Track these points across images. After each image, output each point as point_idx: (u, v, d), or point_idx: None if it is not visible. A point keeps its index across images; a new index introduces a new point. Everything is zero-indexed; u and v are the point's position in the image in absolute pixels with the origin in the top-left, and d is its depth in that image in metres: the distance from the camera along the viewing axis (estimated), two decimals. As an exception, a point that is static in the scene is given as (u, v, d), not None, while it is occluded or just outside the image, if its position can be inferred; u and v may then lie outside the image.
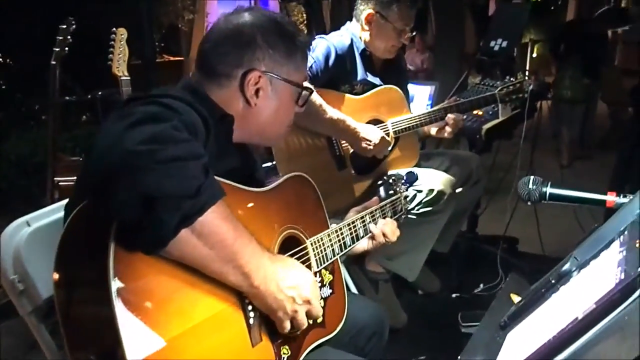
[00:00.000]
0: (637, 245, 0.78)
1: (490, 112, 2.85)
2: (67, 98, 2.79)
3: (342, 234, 1.42)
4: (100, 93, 2.82)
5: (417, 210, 2.31)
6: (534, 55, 10.39)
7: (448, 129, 2.43)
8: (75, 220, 0.94)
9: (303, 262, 1.27)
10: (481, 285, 2.88)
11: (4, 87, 5.57)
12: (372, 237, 1.58)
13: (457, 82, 3.37)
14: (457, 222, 2.78)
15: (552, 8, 13.16)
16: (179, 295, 0.95)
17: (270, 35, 1.23)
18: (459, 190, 2.52)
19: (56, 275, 0.92)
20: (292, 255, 1.24)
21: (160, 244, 0.89)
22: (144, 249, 0.89)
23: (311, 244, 1.32)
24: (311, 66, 2.22)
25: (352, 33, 2.42)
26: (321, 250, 1.34)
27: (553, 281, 1.00)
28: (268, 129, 1.32)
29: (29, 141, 4.78)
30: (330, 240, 1.37)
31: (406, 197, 1.77)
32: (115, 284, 0.84)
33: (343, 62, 2.35)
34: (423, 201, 2.29)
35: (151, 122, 0.90)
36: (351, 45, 2.40)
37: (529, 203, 1.32)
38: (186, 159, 0.89)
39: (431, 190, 2.29)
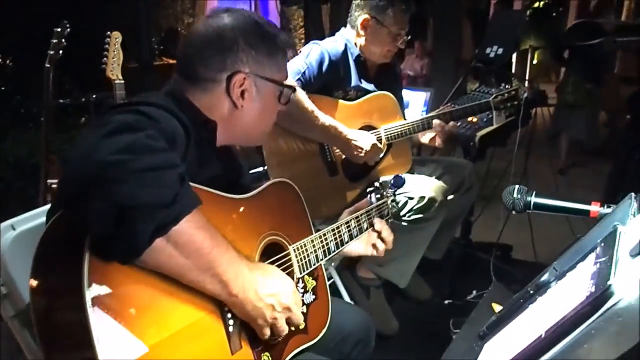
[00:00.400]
0: (608, 258, 0.77)
1: (485, 119, 2.85)
2: (61, 101, 2.80)
3: (326, 239, 1.42)
4: (94, 96, 2.83)
5: (408, 217, 2.31)
6: (534, 61, 10.40)
7: (438, 139, 2.44)
8: (51, 229, 0.94)
9: (286, 269, 1.27)
10: (474, 292, 2.87)
11: (2, 88, 5.58)
12: (373, 245, 1.59)
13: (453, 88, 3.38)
14: (450, 229, 2.78)
15: (554, 14, 13.18)
16: (156, 303, 0.95)
17: (251, 37, 1.24)
18: (450, 197, 2.52)
19: (32, 282, 0.92)
20: (274, 262, 1.24)
21: (135, 253, 0.89)
22: (119, 259, 0.89)
23: (294, 250, 1.31)
24: (304, 72, 2.22)
25: (347, 39, 2.43)
26: (304, 257, 1.33)
27: (531, 292, 1.00)
28: (253, 129, 1.33)
29: (26, 143, 4.77)
30: (314, 246, 1.37)
31: (394, 200, 1.76)
32: (90, 294, 0.84)
33: (337, 69, 2.36)
34: (414, 208, 2.29)
35: (126, 131, 0.90)
36: (345, 52, 2.40)
37: (513, 212, 1.32)
38: (161, 169, 0.89)
39: (422, 198, 2.28)
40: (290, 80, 2.14)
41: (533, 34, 10.24)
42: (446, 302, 2.86)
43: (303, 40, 6.39)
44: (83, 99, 2.86)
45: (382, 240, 1.60)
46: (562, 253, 1.10)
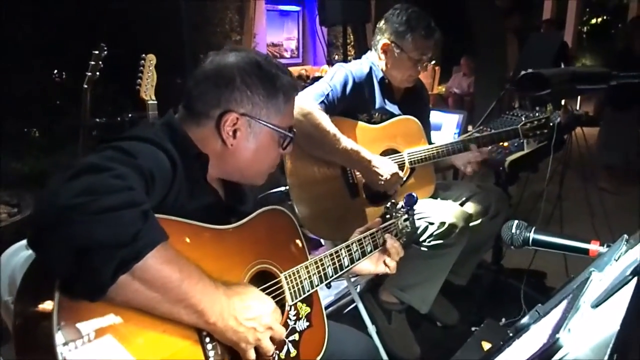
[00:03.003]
0: (570, 307, 0.75)
1: (516, 144, 2.79)
2: (98, 120, 2.93)
3: (322, 265, 1.41)
4: (130, 115, 2.95)
5: (428, 242, 2.28)
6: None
7: (469, 168, 2.40)
8: (36, 261, 0.98)
9: (276, 296, 1.28)
10: (503, 320, 2.80)
11: (58, 102, 5.87)
12: (384, 261, 1.59)
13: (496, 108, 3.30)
14: (476, 254, 2.72)
15: (612, 31, 12.72)
16: (130, 338, 0.96)
17: (249, 77, 1.25)
18: (475, 223, 2.47)
19: (16, 307, 0.96)
20: (263, 290, 1.25)
21: (98, 292, 0.91)
22: (85, 298, 0.92)
23: (285, 277, 1.32)
24: (328, 94, 2.24)
25: (372, 62, 2.44)
26: (297, 284, 1.34)
27: (510, 334, 0.98)
28: (247, 169, 1.34)
29: (76, 155, 5.00)
30: (308, 272, 1.37)
31: (408, 220, 1.75)
32: (60, 338, 0.87)
33: (361, 91, 2.37)
34: (434, 234, 2.26)
35: (90, 172, 0.93)
36: (370, 74, 2.41)
37: (512, 247, 1.30)
38: (120, 208, 0.90)
39: (442, 223, 2.25)
40: (313, 104, 2.18)
41: (589, 52, 9.94)
42: (473, 329, 2.79)
43: (350, 57, 6.42)
44: (118, 118, 2.99)
45: (386, 251, 1.60)
46: (554, 294, 1.07)
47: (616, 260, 0.91)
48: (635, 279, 0.68)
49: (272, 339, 1.16)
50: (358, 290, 2.64)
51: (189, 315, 1.02)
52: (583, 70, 1.32)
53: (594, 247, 1.19)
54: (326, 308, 2.75)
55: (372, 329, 2.49)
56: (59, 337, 0.88)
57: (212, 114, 1.26)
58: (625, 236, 1.03)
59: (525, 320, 0.98)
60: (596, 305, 0.73)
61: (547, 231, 1.26)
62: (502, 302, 2.91)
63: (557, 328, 0.71)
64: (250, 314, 1.10)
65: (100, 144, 1.08)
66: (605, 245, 1.18)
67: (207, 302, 1.03)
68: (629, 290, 0.70)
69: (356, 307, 2.57)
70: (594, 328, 0.69)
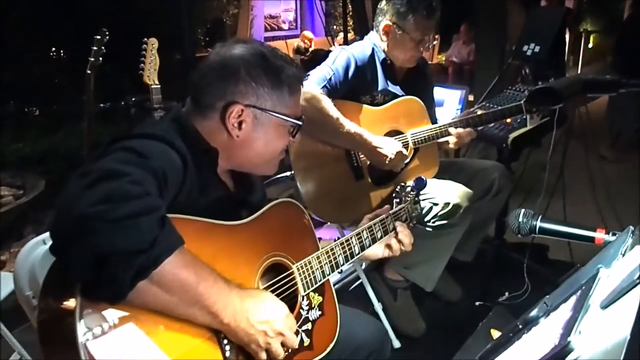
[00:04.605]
0: (580, 307, 0.78)
1: (519, 120, 2.78)
2: (102, 105, 2.93)
3: (333, 254, 1.44)
4: (133, 99, 2.94)
5: (433, 222, 2.31)
6: (590, 45, 9.95)
7: (452, 139, 2.41)
8: (56, 263, 1.01)
9: (289, 287, 1.31)
10: (506, 294, 2.84)
11: (55, 81, 5.84)
12: (388, 246, 1.61)
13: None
14: (480, 231, 2.75)
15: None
16: (151, 336, 1.00)
17: (254, 69, 1.26)
18: (478, 202, 2.50)
19: (40, 303, 1.00)
20: (276, 282, 1.28)
21: (118, 297, 0.94)
22: (105, 302, 0.95)
23: (298, 268, 1.35)
24: (330, 78, 2.24)
25: (374, 43, 2.43)
26: (309, 274, 1.37)
27: (520, 326, 1.00)
28: (256, 159, 1.35)
29: (77, 135, 5.00)
30: (319, 262, 1.40)
31: (417, 202, 1.77)
32: (83, 335, 0.91)
33: (363, 73, 2.37)
34: (438, 214, 2.29)
35: (107, 179, 0.95)
36: (372, 55, 2.40)
37: (519, 235, 1.32)
38: (138, 215, 0.92)
39: (447, 204, 2.27)
40: (316, 88, 2.18)
41: (590, 16, 9.81)
42: (477, 303, 2.83)
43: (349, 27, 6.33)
44: (122, 102, 2.99)
45: (399, 241, 1.61)
46: (560, 284, 1.10)
47: (622, 255, 0.94)
48: (643, 283, 0.71)
49: (283, 344, 1.18)
50: (363, 267, 2.68)
51: (204, 316, 1.05)
52: (593, 79, 1.32)
53: (599, 235, 1.21)
54: (332, 285, 2.83)
55: (378, 306, 2.54)
56: (81, 329, 0.91)
57: (217, 105, 1.26)
58: (631, 228, 1.05)
59: (534, 313, 1.00)
60: (605, 306, 0.76)
61: (553, 219, 1.29)
62: (505, 277, 2.94)
63: (568, 330, 0.74)
64: (262, 317, 1.12)
65: (112, 143, 1.09)
66: (611, 234, 1.20)
67: (221, 303, 1.06)
68: (638, 291, 0.73)
69: (362, 284, 2.62)
70: (605, 330, 0.71)
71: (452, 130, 2.37)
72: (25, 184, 4.18)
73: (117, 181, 0.95)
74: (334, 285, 2.80)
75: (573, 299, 0.88)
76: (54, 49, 6.36)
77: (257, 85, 1.26)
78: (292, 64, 1.33)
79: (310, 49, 8.91)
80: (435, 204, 2.29)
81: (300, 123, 1.36)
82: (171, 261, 0.97)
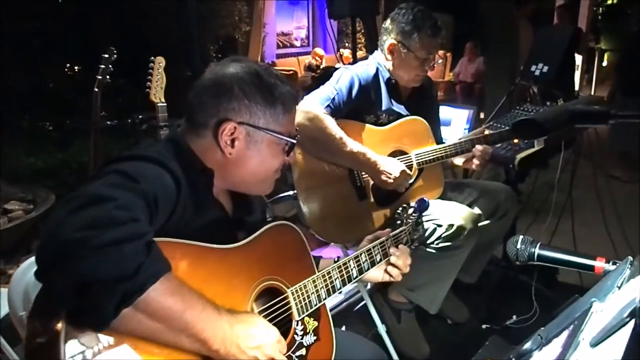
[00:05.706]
0: (570, 344, 0.76)
1: (526, 141, 2.76)
2: (109, 122, 2.96)
3: (330, 277, 1.42)
4: (140, 117, 2.97)
5: (436, 244, 2.28)
6: (604, 64, 9.88)
7: (476, 161, 2.39)
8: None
9: (284, 312, 1.29)
10: (514, 317, 2.80)
11: (70, 96, 5.90)
12: (386, 270, 1.59)
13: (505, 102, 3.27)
14: (485, 254, 2.72)
15: (629, 12, 12.44)
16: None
17: (247, 86, 1.25)
18: (484, 223, 2.47)
19: (28, 325, 0.99)
20: (270, 307, 1.27)
21: (102, 324, 0.93)
22: (89, 329, 0.94)
23: (292, 292, 1.33)
24: (334, 98, 2.24)
25: (378, 62, 2.43)
26: (304, 298, 1.35)
27: (512, 359, 0.98)
28: (250, 179, 1.33)
29: (89, 150, 5.04)
30: (315, 286, 1.38)
31: (420, 224, 1.74)
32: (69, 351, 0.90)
33: (367, 93, 2.36)
34: (442, 236, 2.26)
35: (93, 204, 0.94)
36: (376, 75, 2.40)
37: (517, 263, 1.30)
38: (122, 241, 0.91)
39: (451, 225, 2.25)
40: (319, 108, 2.18)
41: (603, 35, 9.75)
42: (484, 326, 2.79)
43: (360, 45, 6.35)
44: (129, 120, 3.01)
45: (394, 265, 1.59)
46: (556, 315, 1.07)
47: (619, 288, 0.91)
48: (632, 321, 0.68)
49: None
50: (367, 288, 2.65)
51: (192, 344, 1.03)
52: (581, 110, 1.29)
53: (599, 264, 1.18)
54: (335, 307, 2.80)
55: (381, 328, 2.51)
56: (67, 353, 0.91)
57: (210, 123, 1.26)
58: (630, 258, 1.02)
59: (528, 345, 0.98)
60: (595, 344, 0.73)
61: (552, 246, 1.26)
62: (513, 299, 2.90)
63: (556, 368, 0.72)
64: (253, 343, 1.11)
65: (106, 165, 1.09)
66: (611, 263, 1.17)
67: (209, 330, 1.04)
68: (627, 329, 0.70)
69: (365, 305, 2.59)
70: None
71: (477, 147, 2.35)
72: (36, 198, 4.22)
73: (102, 206, 0.94)
74: (336, 306, 2.82)
75: (565, 334, 0.86)
76: (68, 64, 6.44)
77: (250, 103, 1.26)
78: (286, 83, 1.33)
79: (322, 66, 8.96)
80: (439, 225, 2.26)
81: (294, 141, 1.34)
82: (156, 288, 0.96)
